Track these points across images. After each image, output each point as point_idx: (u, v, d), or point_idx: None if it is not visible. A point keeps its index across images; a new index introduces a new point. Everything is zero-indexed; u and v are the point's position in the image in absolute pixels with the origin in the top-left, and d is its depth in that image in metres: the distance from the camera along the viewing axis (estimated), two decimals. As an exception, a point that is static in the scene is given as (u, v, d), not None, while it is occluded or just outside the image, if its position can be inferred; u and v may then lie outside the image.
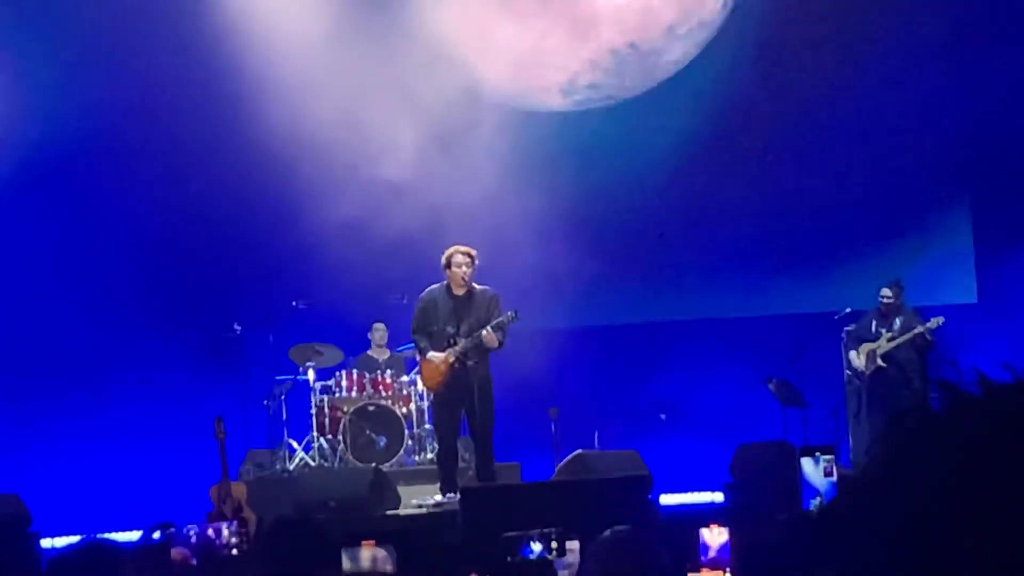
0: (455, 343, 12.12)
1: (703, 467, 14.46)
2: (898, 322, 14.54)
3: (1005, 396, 1.56)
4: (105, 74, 15.45)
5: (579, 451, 12.89)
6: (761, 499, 10.98)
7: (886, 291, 14.65)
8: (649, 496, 11.31)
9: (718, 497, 13.58)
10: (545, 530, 7.32)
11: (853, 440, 14.72)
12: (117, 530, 14.30)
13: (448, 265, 12.22)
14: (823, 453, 10.02)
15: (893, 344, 14.45)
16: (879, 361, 14.49)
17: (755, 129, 16.32)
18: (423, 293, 12.50)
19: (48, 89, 15.55)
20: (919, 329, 14.32)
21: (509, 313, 12.06)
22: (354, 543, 6.72)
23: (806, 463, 9.87)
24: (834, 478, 9.08)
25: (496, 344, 12.05)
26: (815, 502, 9.87)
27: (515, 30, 16.33)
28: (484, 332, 11.98)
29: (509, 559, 7.43)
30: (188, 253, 15.81)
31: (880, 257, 15.98)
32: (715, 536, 6.57)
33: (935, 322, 14.30)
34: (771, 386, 14.84)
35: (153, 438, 15.44)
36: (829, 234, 16.34)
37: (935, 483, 1.51)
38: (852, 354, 14.76)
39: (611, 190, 16.20)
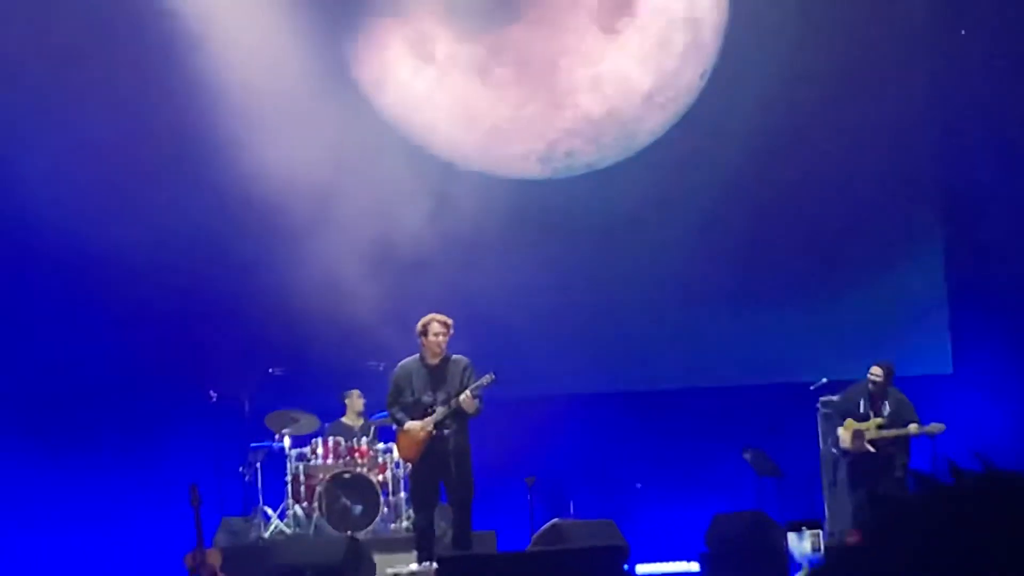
0: (432, 412, 12.10)
1: (678, 536, 14.44)
2: (887, 406, 14.18)
3: (972, 486, 1.74)
4: (79, 139, 15.47)
5: (555, 520, 12.87)
6: (738, 569, 10.99)
7: (876, 370, 14.16)
8: (625, 566, 11.29)
9: (693, 567, 13.55)
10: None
11: (830, 511, 14.66)
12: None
13: (424, 333, 12.17)
14: (809, 527, 10.00)
15: (881, 435, 14.06)
16: (867, 446, 14.09)
17: (734, 198, 16.37)
18: (396, 368, 12.43)
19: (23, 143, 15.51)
20: (913, 430, 13.90)
21: (487, 376, 12.03)
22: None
23: (792, 537, 9.85)
24: (820, 552, 9.07)
25: (474, 409, 12.01)
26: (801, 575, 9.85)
27: (492, 99, 16.44)
28: (463, 396, 11.93)
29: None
30: (162, 319, 15.76)
31: (855, 328, 16.06)
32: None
33: (935, 429, 13.84)
34: (747, 456, 14.84)
35: (128, 505, 15.36)
36: (807, 304, 16.37)
37: (906, 564, 1.60)
38: (840, 431, 14.36)
39: (588, 258, 16.25)
